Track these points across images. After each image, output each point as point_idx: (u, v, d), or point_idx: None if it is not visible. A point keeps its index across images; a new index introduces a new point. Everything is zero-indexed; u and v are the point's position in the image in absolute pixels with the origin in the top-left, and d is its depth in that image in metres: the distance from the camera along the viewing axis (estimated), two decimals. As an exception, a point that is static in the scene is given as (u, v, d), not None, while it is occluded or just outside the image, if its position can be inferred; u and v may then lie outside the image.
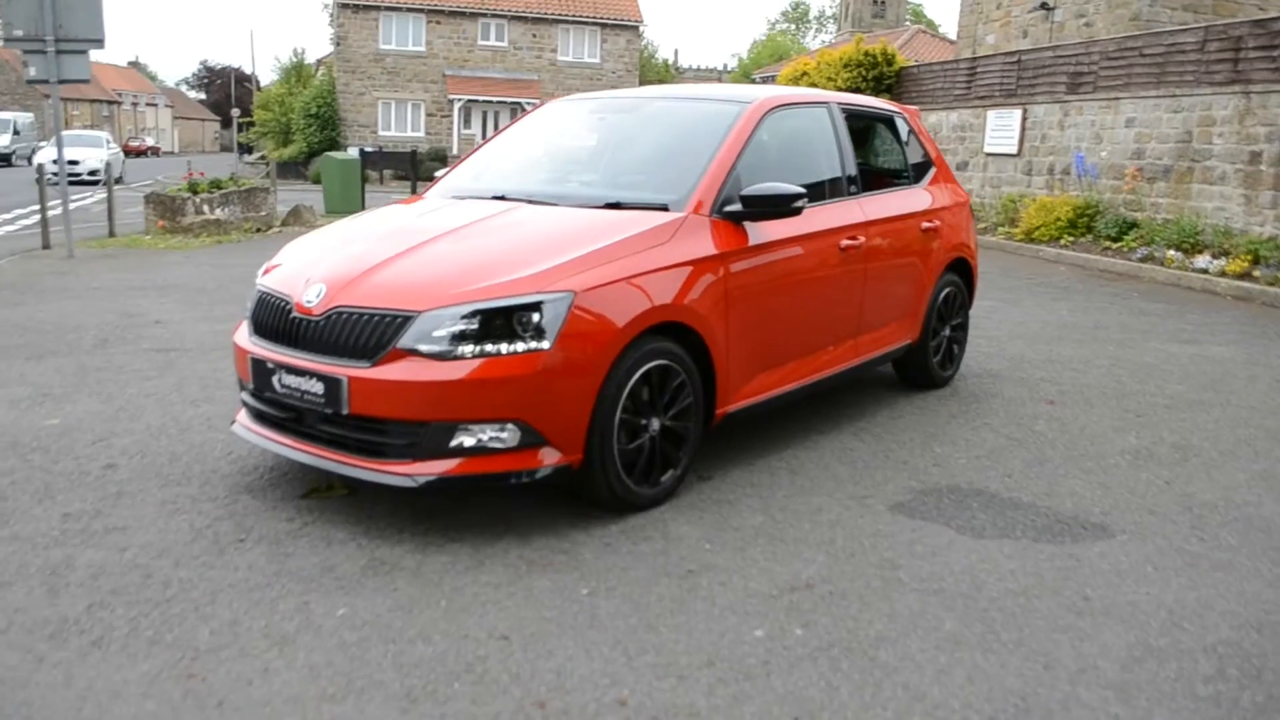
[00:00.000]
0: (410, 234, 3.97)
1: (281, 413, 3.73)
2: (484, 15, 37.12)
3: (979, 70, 18.60)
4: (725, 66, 75.30)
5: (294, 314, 3.63)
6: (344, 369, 3.45)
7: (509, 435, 3.43)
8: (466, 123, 37.51)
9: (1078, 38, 18.87)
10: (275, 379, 3.64)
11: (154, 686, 2.58)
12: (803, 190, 4.15)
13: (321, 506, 3.80)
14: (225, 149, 78.34)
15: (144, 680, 2.60)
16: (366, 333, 3.44)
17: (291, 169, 32.52)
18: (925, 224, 5.53)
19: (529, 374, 3.38)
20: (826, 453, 4.65)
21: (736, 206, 4.12)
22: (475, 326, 3.38)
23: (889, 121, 5.72)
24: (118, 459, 4.30)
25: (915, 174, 5.74)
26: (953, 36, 40.37)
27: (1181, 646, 2.94)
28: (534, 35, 38.23)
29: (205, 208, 12.91)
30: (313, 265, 3.82)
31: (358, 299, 3.51)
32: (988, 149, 17.42)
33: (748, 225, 4.19)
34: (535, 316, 3.41)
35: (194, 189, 13.00)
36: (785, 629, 2.97)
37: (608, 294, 3.56)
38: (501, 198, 4.35)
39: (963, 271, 6.04)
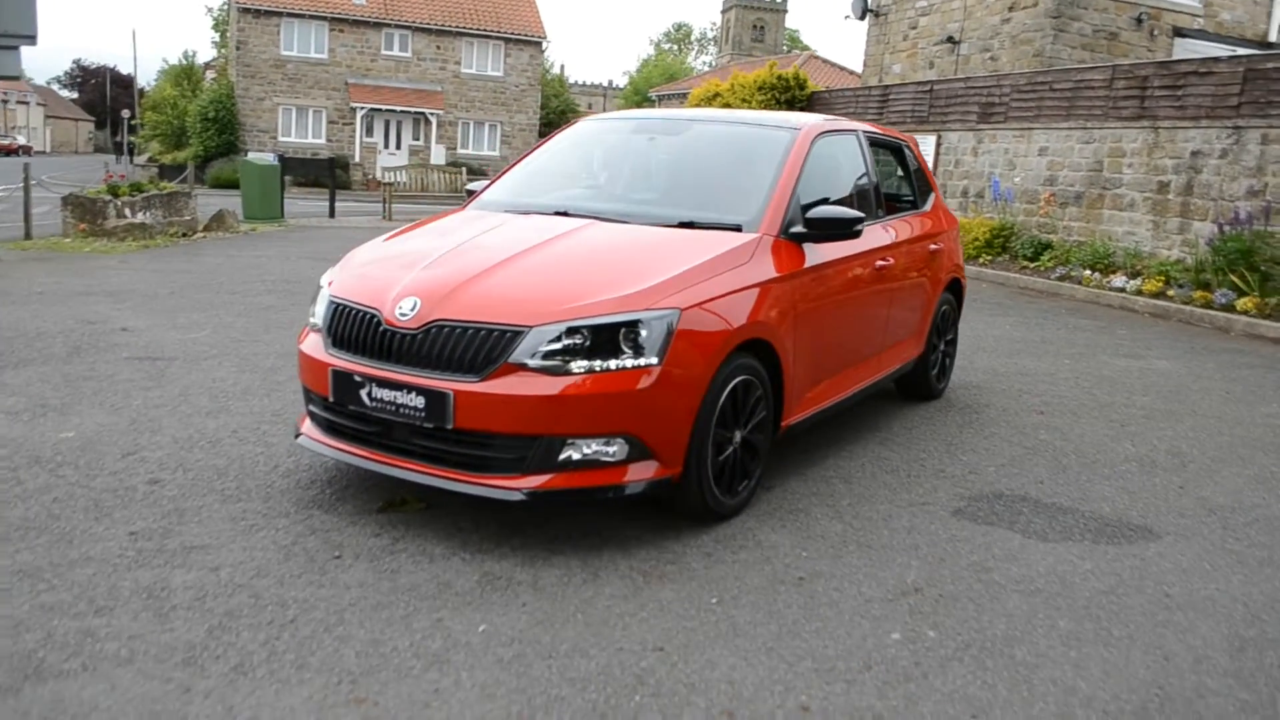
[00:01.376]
0: (488, 248, 3.94)
1: (367, 427, 3.65)
2: (388, 25, 36.50)
3: (892, 97, 19.28)
4: (611, 83, 75.95)
5: (385, 327, 3.56)
6: (449, 383, 3.39)
7: (616, 449, 3.44)
8: (369, 131, 36.77)
9: (983, 70, 19.79)
10: (364, 392, 3.55)
11: (325, 713, 2.50)
12: (863, 215, 4.31)
13: (404, 521, 3.72)
14: (100, 150, 74.60)
15: (311, 707, 2.52)
16: (473, 347, 3.40)
17: (179, 172, 31.16)
18: (932, 245, 5.77)
19: (639, 389, 3.40)
20: (866, 463, 4.79)
21: (800, 228, 4.23)
22: (586, 342, 3.39)
23: (899, 149, 5.93)
24: (159, 474, 4.11)
25: (920, 198, 5.98)
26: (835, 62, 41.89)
27: (1269, 636, 3.17)
28: (438, 47, 37.79)
29: (127, 211, 12.33)
30: (393, 277, 3.75)
31: (459, 313, 3.46)
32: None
33: (805, 246, 4.30)
34: (643, 332, 3.43)
35: (114, 191, 12.40)
36: (918, 631, 3.07)
37: (707, 311, 3.61)
38: (564, 213, 4.34)
39: (955, 290, 6.31)
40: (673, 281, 3.61)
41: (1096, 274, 12.13)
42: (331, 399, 3.68)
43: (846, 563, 3.57)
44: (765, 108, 20.70)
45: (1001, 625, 3.14)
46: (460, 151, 38.56)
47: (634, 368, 3.41)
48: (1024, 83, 15.51)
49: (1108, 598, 3.40)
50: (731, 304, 3.74)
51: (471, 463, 3.48)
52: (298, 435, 3.98)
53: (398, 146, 37.68)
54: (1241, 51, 17.44)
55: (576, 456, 3.42)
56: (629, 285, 3.56)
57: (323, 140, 36.45)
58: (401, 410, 3.47)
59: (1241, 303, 9.89)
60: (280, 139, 35.48)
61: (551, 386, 3.35)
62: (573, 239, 3.98)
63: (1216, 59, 12.34)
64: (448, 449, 3.49)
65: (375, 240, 4.46)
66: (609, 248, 3.95)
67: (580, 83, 70.99)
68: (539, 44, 40.33)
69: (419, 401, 3.43)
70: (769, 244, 4.08)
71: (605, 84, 75.04)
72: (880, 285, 5.01)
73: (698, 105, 22.96)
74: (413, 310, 3.52)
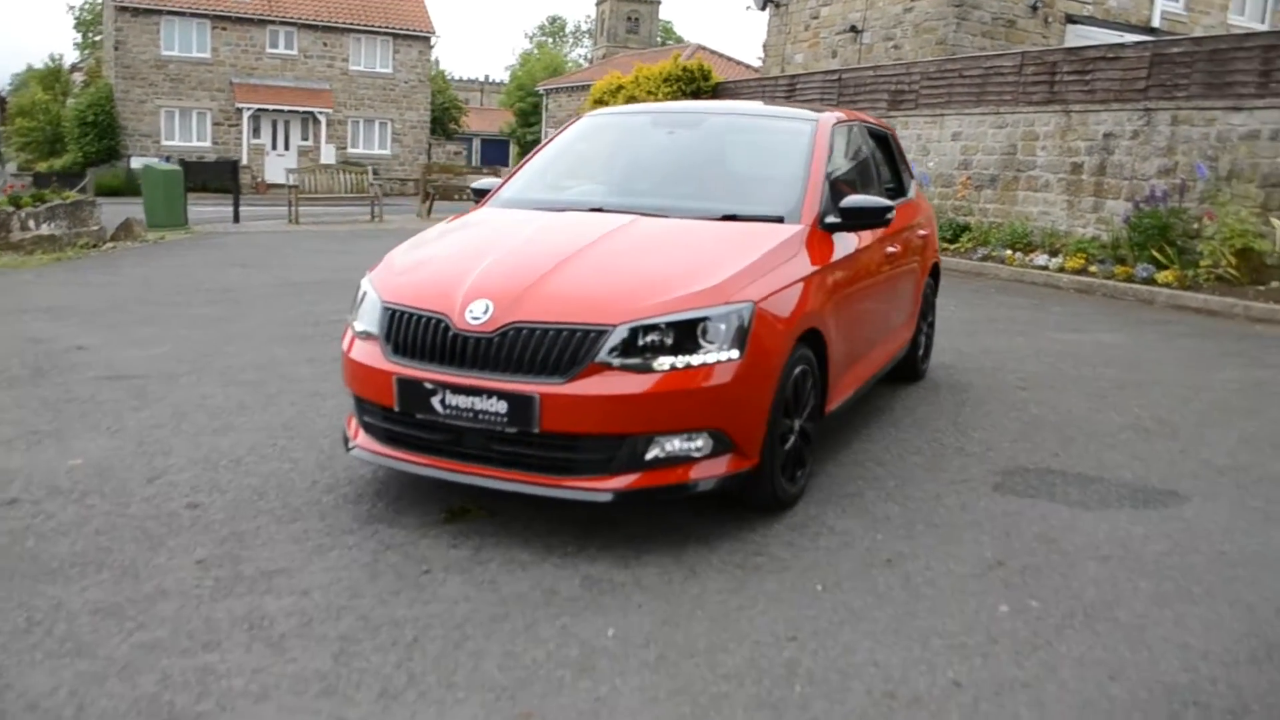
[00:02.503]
0: (542, 247, 3.88)
1: (436, 435, 3.55)
2: (272, 22, 35.28)
3: (799, 86, 19.65)
4: (488, 78, 75.08)
5: (455, 331, 3.47)
6: (534, 386, 3.34)
7: (701, 444, 3.44)
8: (256, 132, 35.53)
9: (886, 59, 20.31)
10: (436, 400, 3.46)
11: (492, 724, 2.44)
12: (892, 204, 4.40)
13: (474, 530, 3.64)
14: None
15: None
16: (556, 348, 3.35)
17: (65, 180, 29.48)
18: (921, 231, 5.93)
19: (724, 383, 3.41)
20: (889, 445, 4.90)
21: (835, 218, 4.30)
22: (669, 338, 3.38)
23: (884, 138, 6.07)
24: (195, 497, 3.92)
25: (905, 186, 6.13)
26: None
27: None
28: (325, 44, 36.76)
29: (31, 223, 11.64)
30: (452, 281, 3.66)
31: (537, 314, 3.41)
32: (811, 160, 18.42)
33: (835, 235, 4.37)
34: (723, 326, 3.44)
35: (16, 203, 11.68)
36: (1021, 603, 3.17)
37: (776, 303, 3.64)
38: (601, 209, 4.31)
39: (935, 273, 6.50)
40: (743, 274, 3.63)
41: (1019, 254, 12.64)
42: (397, 408, 3.57)
43: (921, 543, 3.65)
44: (671, 98, 20.84)
45: (1092, 591, 3.27)
46: (351, 150, 37.67)
47: (719, 362, 3.41)
48: (933, 70, 16.02)
49: (1171, 558, 3.57)
50: (792, 295, 3.78)
51: (556, 466, 3.43)
52: (350, 448, 3.84)
53: (286, 147, 36.55)
54: (1129, 37, 18.38)
55: (662, 454, 3.41)
56: (702, 280, 3.56)
57: (208, 143, 35.07)
58: (481, 416, 3.40)
59: (1162, 276, 10.45)
60: (163, 142, 33.96)
61: (639, 385, 3.33)
62: (625, 235, 3.96)
63: (1123, 45, 12.98)
64: (531, 453, 3.43)
65: (407, 244, 4.33)
66: (666, 243, 3.94)
67: (457, 78, 69.90)
68: (427, 39, 39.66)
69: (501, 406, 3.36)
70: (811, 235, 4.14)
71: (482, 79, 74.12)
72: (890, 271, 5.13)
73: (601, 98, 22.94)
74: (485, 313, 3.44)
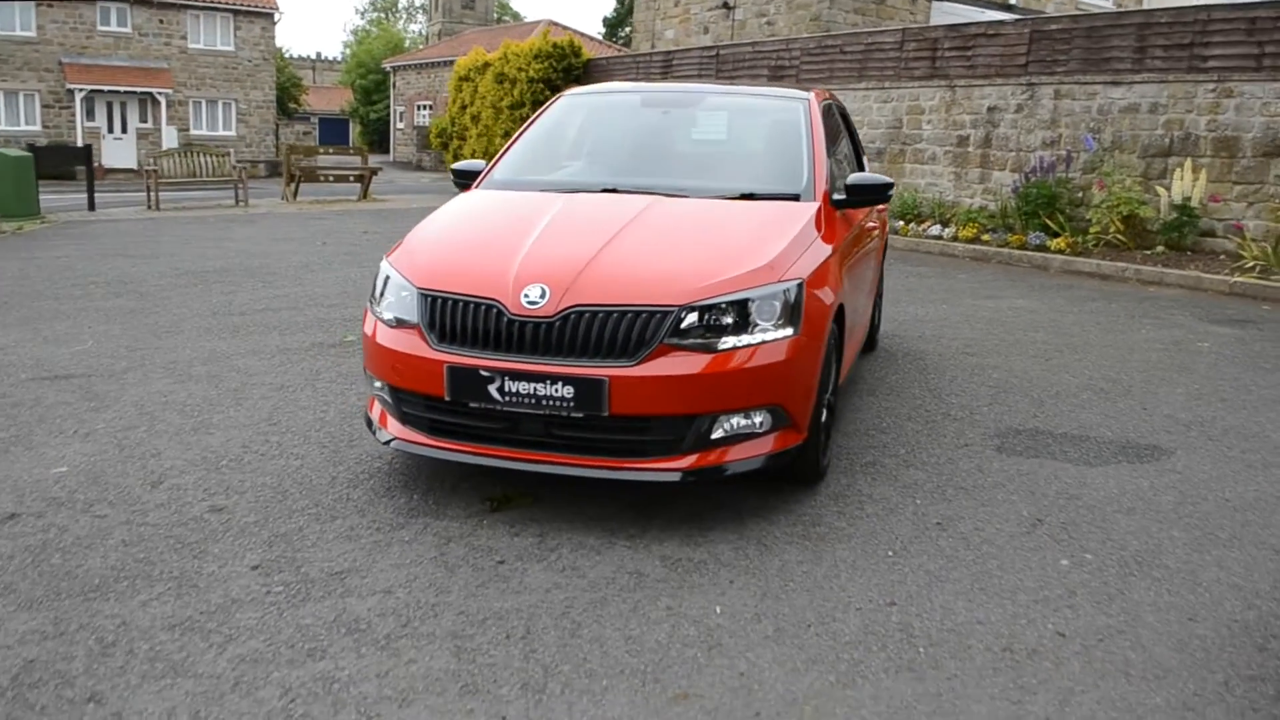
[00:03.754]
0: (576, 229, 3.83)
1: (489, 423, 3.46)
2: (102, -1, 33.03)
3: (675, 62, 19.81)
4: (320, 55, 72.54)
5: (511, 317, 3.38)
6: (602, 369, 3.29)
7: (762, 420, 3.48)
8: (90, 115, 33.22)
9: (760, 35, 20.69)
10: (493, 387, 3.37)
11: (661, 713, 2.43)
12: (893, 180, 4.52)
13: (527, 518, 3.58)
14: None
15: (642, 710, 2.43)
16: (622, 330, 3.32)
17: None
18: (880, 206, 6.10)
19: (784, 360, 3.45)
20: (880, 414, 5.06)
21: (841, 195, 4.39)
22: (731, 318, 3.39)
23: (845, 115, 6.20)
24: (214, 500, 3.71)
25: (864, 160, 6.29)
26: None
27: (1323, 524, 3.71)
28: (160, 21, 34.65)
29: (-118, 216, 10.58)
30: (496, 265, 3.56)
31: (599, 297, 3.36)
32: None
33: (839, 211, 4.46)
34: (778, 304, 3.47)
35: None
36: (1077, 557, 3.35)
37: (818, 280, 3.70)
38: (613, 190, 4.26)
39: (885, 249, 6.71)
40: (787, 252, 3.67)
41: (911, 224, 13.14)
42: (448, 397, 3.45)
43: (958, 505, 3.80)
44: (543, 76, 20.71)
45: (1134, 542, 3.48)
46: (194, 132, 35.81)
47: (779, 339, 3.45)
48: (814, 46, 16.41)
49: (1186, 507, 3.83)
50: (826, 271, 3.85)
51: (624, 448, 3.40)
52: (387, 440, 3.70)
53: (124, 130, 34.41)
54: (990, 13, 19.28)
55: (726, 432, 3.43)
56: (752, 258, 3.58)
57: (38, 126, 32.58)
58: (544, 402, 3.33)
59: (1055, 243, 11.07)
60: (-11, 126, 31.41)
61: (706, 364, 3.34)
62: (656, 215, 3.93)
63: (1002, 22, 13.62)
64: (597, 437, 3.39)
65: (422, 229, 4.16)
66: (699, 222, 3.94)
67: (292, 55, 67.06)
68: (270, 15, 37.97)
69: (567, 391, 3.30)
70: (827, 212, 4.21)
71: (314, 56, 71.54)
72: (867, 246, 5.27)
73: (467, 75, 22.59)
74: (543, 297, 3.37)
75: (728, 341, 3.38)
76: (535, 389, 3.33)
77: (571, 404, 3.31)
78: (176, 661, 2.61)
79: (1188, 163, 10.38)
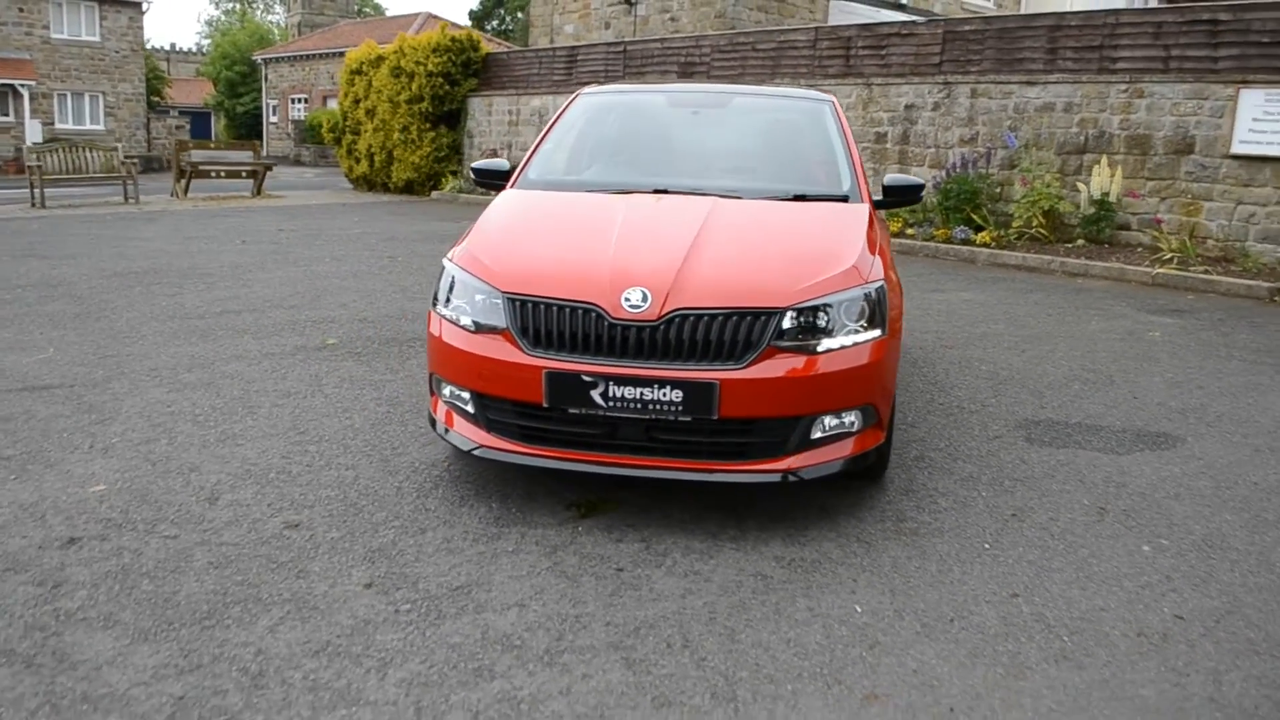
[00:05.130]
0: (651, 229, 3.83)
1: (588, 429, 3.42)
2: (-45, -17, 30.73)
3: (580, 58, 19.71)
4: (174, 46, 69.45)
5: (613, 321, 3.34)
6: (712, 373, 3.29)
7: (855, 420, 3.54)
8: (-56, 104, 30.92)
9: (663, 31, 20.80)
10: (596, 393, 3.32)
11: (858, 714, 2.46)
12: (924, 182, 4.65)
13: (621, 522, 3.55)
14: None
15: (837, 713, 2.46)
16: (729, 333, 3.32)
17: None
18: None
19: (875, 360, 3.51)
20: (900, 409, 5.19)
21: (879, 196, 4.48)
22: (825, 320, 3.43)
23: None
24: (284, 515, 3.55)
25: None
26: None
27: (1343, 502, 4.01)
28: (20, 10, 32.54)
29: None
30: (588, 268, 3.50)
31: (702, 300, 3.35)
32: (606, 130, 18.57)
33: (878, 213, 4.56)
34: (865, 306, 3.54)
35: None
36: (1155, 543, 3.53)
37: (890, 281, 3.78)
38: (664, 191, 4.25)
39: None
40: (864, 254, 3.73)
41: (836, 219, 13.46)
42: (546, 403, 3.39)
43: (1022, 496, 3.95)
44: (442, 70, 20.31)
45: (1197, 527, 3.69)
46: (60, 126, 33.86)
47: (871, 340, 3.51)
48: (725, 43, 16.60)
49: (1224, 492, 4.07)
50: (891, 271, 3.94)
51: (728, 451, 3.41)
52: (472, 449, 3.60)
53: (-18, 123, 32.17)
54: (884, 13, 19.88)
55: (823, 433, 3.48)
56: (835, 260, 3.63)
57: (-117, 115, 30.16)
58: (650, 406, 3.30)
59: (980, 237, 11.53)
60: None
61: (809, 365, 3.37)
62: (722, 217, 3.93)
63: (915, 23, 14.06)
64: (702, 440, 3.38)
65: (488, 233, 4.00)
66: (770, 224, 3.96)
67: (147, 47, 63.73)
68: (139, 5, 36.20)
69: (675, 395, 3.29)
70: (874, 213, 4.30)
71: (169, 47, 68.42)
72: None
73: (359, 68, 21.92)
74: (645, 301, 3.34)
75: (825, 343, 3.42)
76: (641, 393, 3.30)
77: (680, 407, 3.30)
78: (340, 690, 2.50)
79: (1104, 159, 10.98)
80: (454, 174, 20.86)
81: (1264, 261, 9.78)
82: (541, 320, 3.43)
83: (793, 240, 3.84)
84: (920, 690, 2.55)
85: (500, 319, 3.51)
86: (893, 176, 4.55)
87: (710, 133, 4.92)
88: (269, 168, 20.57)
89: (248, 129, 47.66)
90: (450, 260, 3.85)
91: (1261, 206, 10.01)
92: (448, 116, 20.96)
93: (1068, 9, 21.49)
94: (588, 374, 3.33)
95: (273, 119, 45.75)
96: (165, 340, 6.28)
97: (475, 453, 3.60)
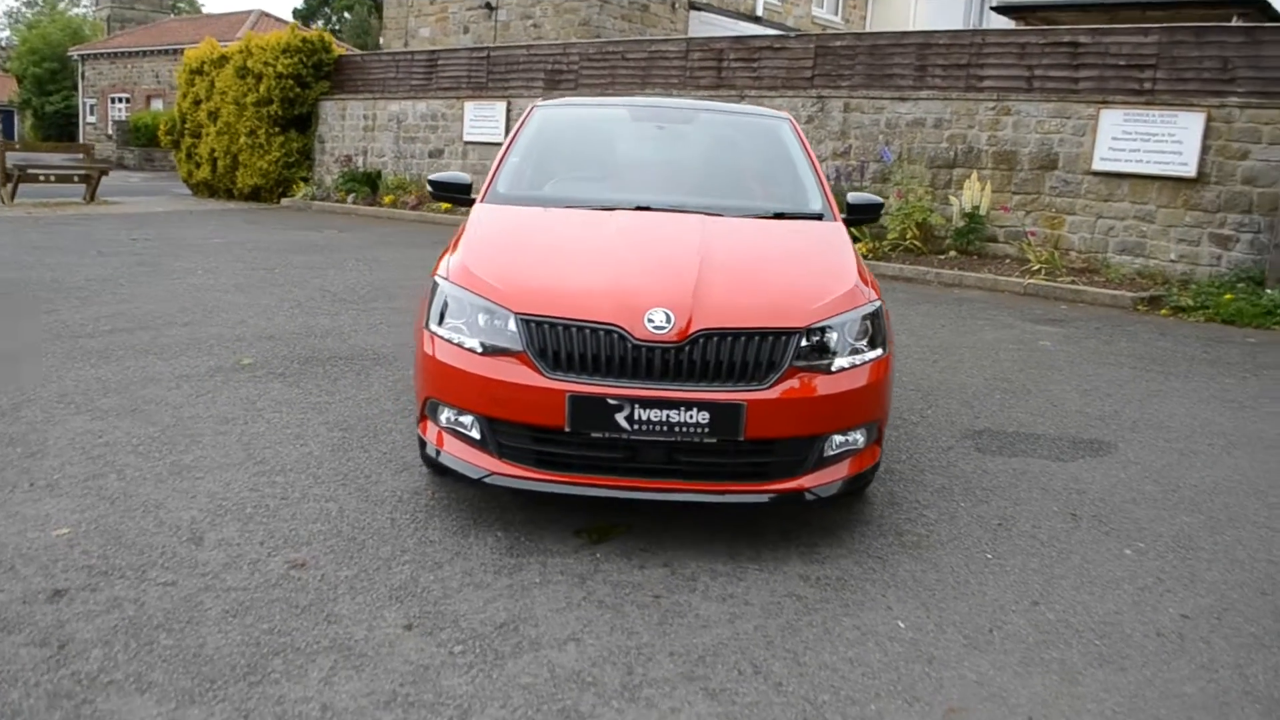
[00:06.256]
0: (652, 248, 3.82)
1: (614, 453, 3.37)
2: None
3: (441, 63, 19.32)
4: None
5: (636, 342, 3.31)
6: (737, 393, 3.31)
7: (861, 437, 3.63)
8: None
9: (526, 38, 20.67)
10: (621, 415, 3.28)
11: (927, 729, 2.52)
12: (883, 200, 4.81)
13: (637, 548, 3.52)
14: None
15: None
16: (752, 354, 3.34)
17: None
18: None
19: (880, 378, 3.62)
20: (850, 419, 5.34)
21: (845, 214, 4.62)
22: (835, 339, 3.51)
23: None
24: (285, 555, 3.33)
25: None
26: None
27: None
28: None
29: None
30: (604, 288, 3.45)
31: (724, 320, 3.36)
32: (468, 137, 18.27)
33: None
34: (869, 325, 3.64)
35: None
36: (1134, 546, 3.78)
37: (881, 300, 3.90)
38: (645, 208, 4.24)
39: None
40: (859, 274, 3.84)
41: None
42: (568, 428, 3.32)
43: (998, 506, 4.14)
44: (292, 72, 19.56)
45: (1163, 529, 3.96)
46: None
47: (874, 358, 3.61)
48: (594, 51, 16.65)
49: (1171, 495, 4.38)
50: (878, 290, 4.05)
51: (749, 471, 3.43)
52: (483, 477, 3.48)
53: None
54: (742, 24, 20.42)
55: (833, 451, 3.55)
56: (838, 280, 3.73)
57: None
58: (677, 428, 3.29)
59: (858, 249, 11.98)
60: None
61: (826, 385, 3.44)
62: (716, 236, 3.93)
63: (787, 37, 14.49)
64: (725, 461, 3.39)
65: (480, 250, 3.87)
66: (762, 243, 4.02)
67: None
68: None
69: (702, 417, 3.28)
70: (847, 232, 4.42)
71: None
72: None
73: (200, 68, 20.86)
74: (669, 322, 3.33)
75: (838, 362, 3.49)
76: (668, 416, 3.28)
77: (706, 429, 3.30)
78: (426, 741, 2.37)
79: (974, 174, 11.62)
80: (305, 180, 20.07)
81: (1124, 272, 10.58)
82: (560, 342, 3.36)
83: (791, 261, 3.90)
84: (992, 701, 2.64)
85: (512, 340, 3.41)
86: (855, 195, 4.69)
87: (680, 149, 4.94)
88: (104, 172, 19.23)
89: (59, 129, 44.35)
90: (445, 278, 3.72)
91: (1120, 220, 10.84)
92: (298, 120, 20.14)
93: (911, 28, 22.67)
94: (613, 397, 3.28)
95: (90, 119, 42.75)
96: (62, 362, 5.78)
97: (486, 480, 3.49)
